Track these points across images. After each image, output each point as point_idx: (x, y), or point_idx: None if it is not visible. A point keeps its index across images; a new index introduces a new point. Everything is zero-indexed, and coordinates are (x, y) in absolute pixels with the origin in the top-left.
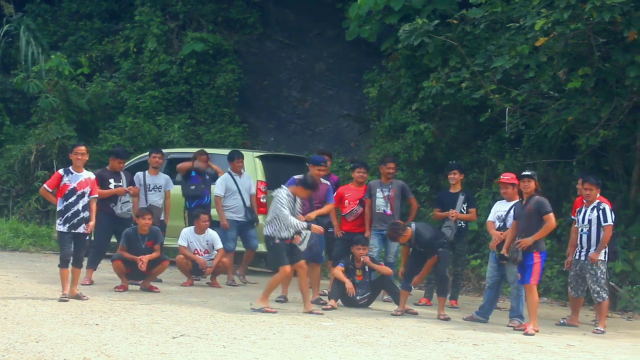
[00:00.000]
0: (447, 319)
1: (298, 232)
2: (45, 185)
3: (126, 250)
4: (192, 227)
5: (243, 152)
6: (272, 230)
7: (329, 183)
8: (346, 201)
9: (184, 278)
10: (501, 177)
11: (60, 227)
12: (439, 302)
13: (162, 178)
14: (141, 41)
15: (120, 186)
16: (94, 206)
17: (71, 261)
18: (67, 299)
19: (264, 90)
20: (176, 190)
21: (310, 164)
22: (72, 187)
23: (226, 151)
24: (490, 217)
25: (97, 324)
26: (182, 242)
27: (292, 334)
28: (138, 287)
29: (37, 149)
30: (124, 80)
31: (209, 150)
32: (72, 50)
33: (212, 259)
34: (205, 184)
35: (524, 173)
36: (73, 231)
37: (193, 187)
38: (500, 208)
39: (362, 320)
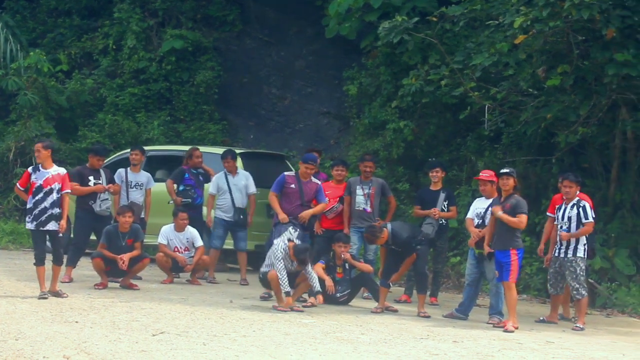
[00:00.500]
0: (427, 317)
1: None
2: (17, 184)
3: (106, 248)
4: (172, 225)
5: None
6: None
7: (319, 182)
8: (326, 198)
9: (163, 275)
10: (480, 174)
11: (29, 225)
12: (418, 300)
13: (144, 176)
14: (120, 38)
15: (100, 184)
16: (66, 202)
17: (52, 259)
18: (46, 296)
19: (243, 87)
20: (157, 187)
21: (300, 161)
22: (38, 184)
23: (217, 149)
24: (470, 215)
25: (76, 322)
26: (161, 239)
27: (272, 331)
28: (118, 285)
29: (16, 146)
30: (103, 78)
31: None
32: (51, 47)
33: (192, 257)
34: (198, 185)
35: (502, 171)
36: (41, 229)
37: (183, 190)
38: (479, 205)
39: (342, 317)
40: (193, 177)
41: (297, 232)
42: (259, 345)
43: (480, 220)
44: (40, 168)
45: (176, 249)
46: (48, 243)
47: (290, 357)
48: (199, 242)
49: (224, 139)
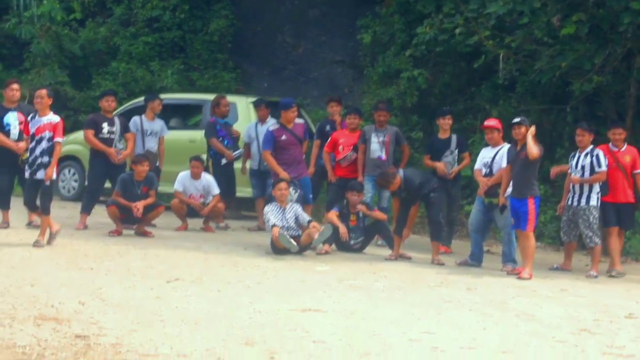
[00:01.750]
0: (441, 264)
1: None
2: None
3: (121, 196)
4: (188, 172)
5: (237, 98)
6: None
7: (303, 121)
8: (340, 147)
9: (178, 223)
10: (485, 122)
11: (25, 173)
12: (432, 247)
13: (158, 123)
14: None
15: (113, 131)
16: (57, 150)
17: (36, 208)
18: (41, 243)
19: (257, 36)
20: (170, 135)
21: (281, 110)
22: (32, 132)
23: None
24: (477, 165)
25: (91, 269)
26: (177, 186)
27: (287, 279)
28: (132, 232)
29: (30, 94)
30: (117, 26)
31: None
32: None
33: (208, 204)
34: (229, 135)
35: (514, 120)
36: (34, 177)
37: (231, 149)
38: (486, 154)
39: (356, 265)
40: (223, 127)
41: (297, 193)
42: (273, 292)
43: (488, 170)
44: (37, 116)
45: (192, 196)
46: None
47: (304, 304)
48: (216, 190)
49: (238, 87)
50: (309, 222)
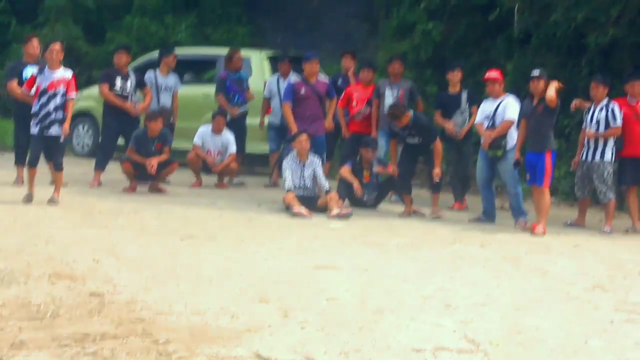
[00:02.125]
0: (439, 217)
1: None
2: (24, 88)
3: (135, 152)
4: (209, 126)
5: (252, 52)
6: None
7: (327, 80)
8: (354, 102)
9: (192, 180)
10: (486, 74)
11: (32, 129)
12: (432, 200)
13: (172, 78)
14: None
15: (126, 87)
16: (69, 107)
17: (54, 166)
18: (31, 198)
19: None
20: (184, 90)
21: (303, 63)
22: (43, 87)
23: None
24: (478, 118)
25: (105, 226)
26: (197, 140)
27: (300, 236)
28: (146, 189)
29: (43, 48)
30: None
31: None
32: None
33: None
34: (240, 90)
35: (533, 73)
36: (45, 134)
37: (236, 105)
38: (487, 107)
39: (370, 221)
40: (234, 83)
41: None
42: (287, 249)
43: (491, 122)
44: (47, 71)
45: (209, 152)
46: None
47: (318, 260)
48: (233, 148)
49: (252, 41)
50: (327, 192)
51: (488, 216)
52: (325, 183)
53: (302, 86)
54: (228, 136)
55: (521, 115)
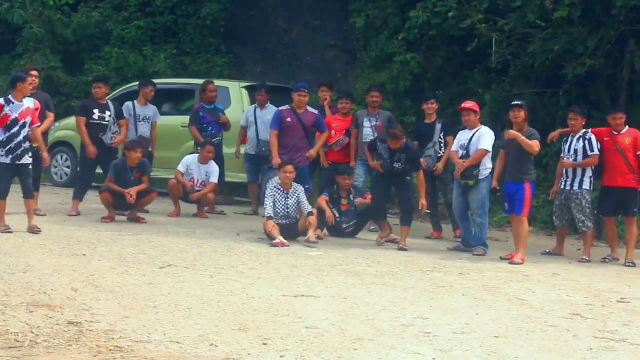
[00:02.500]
0: (405, 250)
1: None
2: None
3: (114, 182)
4: (196, 156)
5: (230, 83)
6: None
7: (316, 111)
8: (333, 131)
9: (171, 209)
10: (463, 104)
11: (2, 159)
12: (402, 232)
13: (151, 109)
14: None
15: (104, 117)
16: (38, 136)
17: (23, 194)
18: (10, 230)
19: (250, 20)
20: (163, 121)
21: (292, 92)
22: (14, 117)
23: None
24: (454, 147)
25: (84, 255)
26: (181, 167)
27: (279, 264)
28: (125, 218)
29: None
30: (109, 11)
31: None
32: None
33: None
34: (216, 121)
35: (513, 103)
36: (17, 162)
37: (199, 129)
38: (463, 137)
39: (349, 250)
40: (208, 114)
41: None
42: (266, 278)
43: (465, 152)
44: (14, 100)
45: (192, 180)
46: None
47: (297, 289)
48: (214, 179)
49: (230, 72)
50: (309, 213)
51: (467, 245)
52: (307, 207)
53: (289, 115)
54: (214, 167)
55: (500, 145)
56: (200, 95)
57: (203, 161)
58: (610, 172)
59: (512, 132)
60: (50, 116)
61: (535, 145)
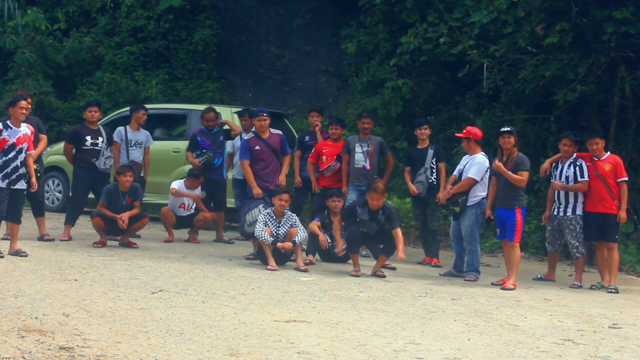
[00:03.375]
0: (382, 276)
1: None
2: None
3: (106, 207)
4: (182, 181)
5: (222, 109)
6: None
7: (280, 132)
8: (324, 157)
9: (162, 234)
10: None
11: None
12: (379, 260)
13: (143, 134)
14: None
15: (97, 143)
16: (30, 163)
17: (10, 217)
18: (2, 255)
19: (241, 45)
20: (156, 146)
21: (252, 119)
22: (11, 142)
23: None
24: (455, 171)
25: (75, 280)
26: (175, 185)
27: (271, 289)
28: (117, 243)
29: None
30: (101, 36)
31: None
32: (49, 5)
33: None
34: (216, 146)
35: (503, 129)
36: (12, 187)
37: (199, 154)
38: (463, 161)
39: (341, 275)
40: (208, 138)
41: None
42: (257, 303)
43: (459, 177)
44: (12, 125)
45: (182, 206)
46: None
47: (289, 314)
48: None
49: (222, 97)
50: (294, 243)
51: (459, 270)
52: (302, 234)
53: (256, 142)
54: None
55: (492, 172)
56: (201, 120)
57: (190, 186)
58: (592, 198)
59: (498, 165)
60: (44, 138)
61: (521, 180)
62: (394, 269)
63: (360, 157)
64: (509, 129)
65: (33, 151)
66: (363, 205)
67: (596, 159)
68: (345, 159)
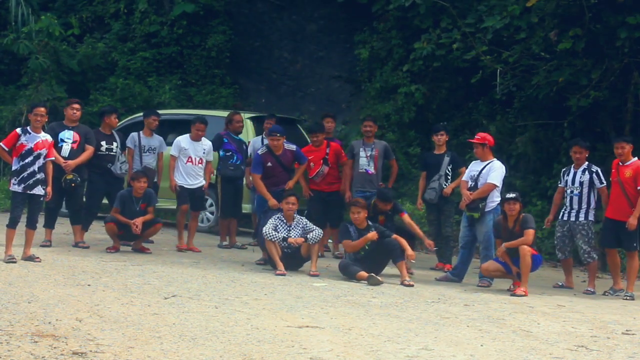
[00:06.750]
0: (410, 286)
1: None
2: (1, 143)
3: (120, 212)
4: (187, 135)
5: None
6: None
7: (293, 147)
8: (311, 164)
9: (174, 240)
10: (476, 136)
11: (15, 187)
12: (399, 268)
13: (157, 140)
14: (132, 2)
15: (112, 148)
16: (49, 169)
17: (26, 223)
18: (14, 260)
19: (255, 51)
20: (167, 151)
21: (266, 135)
22: (29, 147)
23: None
24: (465, 177)
25: (89, 285)
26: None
27: (284, 295)
28: (130, 248)
29: (28, 110)
30: (115, 42)
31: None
32: (63, 11)
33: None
34: (240, 150)
35: (508, 196)
36: (28, 192)
37: (223, 156)
38: (474, 168)
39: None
40: (233, 142)
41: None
42: (270, 309)
43: (473, 183)
44: (31, 131)
45: (190, 159)
46: None
47: (301, 320)
48: (210, 157)
49: (235, 102)
50: (312, 240)
51: (456, 275)
52: (315, 235)
53: (268, 159)
54: (207, 143)
55: (496, 235)
56: (226, 125)
57: (195, 138)
58: (612, 204)
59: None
60: (89, 149)
61: (525, 239)
62: (411, 273)
63: (364, 162)
64: (513, 195)
65: (53, 158)
66: (352, 223)
67: (621, 164)
68: (349, 164)
